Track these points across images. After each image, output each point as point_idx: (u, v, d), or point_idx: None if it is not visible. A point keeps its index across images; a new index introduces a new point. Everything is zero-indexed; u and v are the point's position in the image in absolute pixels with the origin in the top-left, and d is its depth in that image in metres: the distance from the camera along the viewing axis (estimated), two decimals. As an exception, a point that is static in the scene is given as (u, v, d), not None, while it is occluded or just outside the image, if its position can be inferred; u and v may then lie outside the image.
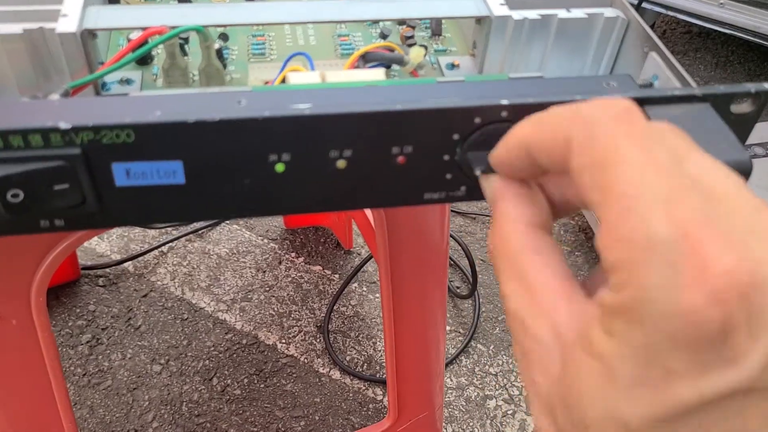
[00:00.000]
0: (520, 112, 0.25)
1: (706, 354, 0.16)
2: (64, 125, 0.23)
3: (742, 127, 0.27)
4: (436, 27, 0.38)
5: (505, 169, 0.23)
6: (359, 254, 1.29)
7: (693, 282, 0.16)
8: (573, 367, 0.18)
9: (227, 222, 1.33)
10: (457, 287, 1.23)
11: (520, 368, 0.21)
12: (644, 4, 1.74)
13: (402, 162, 0.26)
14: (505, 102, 0.25)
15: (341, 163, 0.26)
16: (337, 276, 1.24)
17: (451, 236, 1.26)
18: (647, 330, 0.17)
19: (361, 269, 1.23)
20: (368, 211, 0.94)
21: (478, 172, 0.25)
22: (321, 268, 1.25)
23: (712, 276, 0.16)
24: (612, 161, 0.18)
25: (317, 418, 1.03)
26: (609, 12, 0.34)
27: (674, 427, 0.17)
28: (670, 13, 1.77)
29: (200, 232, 1.30)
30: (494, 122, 0.25)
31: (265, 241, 1.30)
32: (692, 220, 0.17)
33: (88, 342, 1.11)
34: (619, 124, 0.19)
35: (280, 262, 1.26)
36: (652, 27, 1.88)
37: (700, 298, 0.16)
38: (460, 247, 1.26)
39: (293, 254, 1.28)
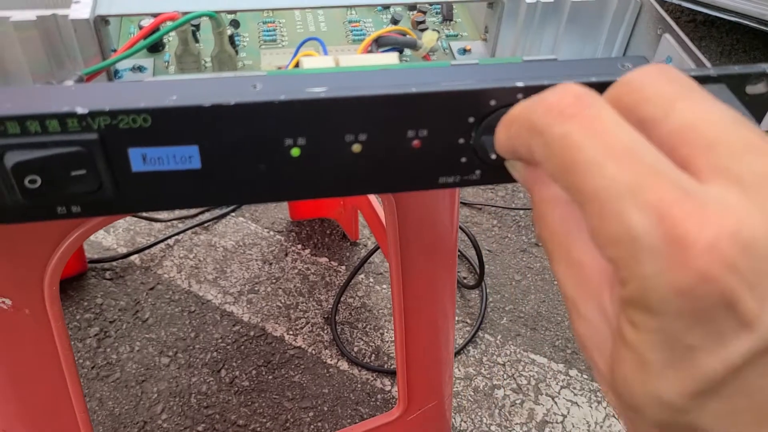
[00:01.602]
0: (536, 93, 0.25)
1: (718, 325, 0.17)
2: (81, 110, 0.23)
3: (757, 108, 0.27)
4: (447, 12, 0.38)
5: (510, 157, 0.23)
6: (365, 245, 1.29)
7: (679, 266, 0.16)
8: (615, 354, 0.19)
9: (233, 214, 1.33)
10: (464, 278, 1.23)
11: (581, 349, 0.21)
12: (649, -7, 1.73)
13: (417, 146, 0.26)
14: (520, 84, 0.25)
15: (356, 147, 0.26)
16: (343, 267, 1.24)
17: (459, 227, 1.26)
18: (657, 315, 0.17)
19: (368, 260, 1.23)
20: (376, 203, 0.94)
21: (493, 156, 0.25)
22: (327, 260, 1.25)
23: (694, 257, 0.16)
24: (572, 164, 0.18)
25: (326, 408, 1.03)
26: (621, -6, 0.34)
27: (715, 395, 0.17)
28: (675, 1, 1.76)
29: (206, 224, 1.31)
30: (510, 105, 0.25)
31: (271, 233, 1.30)
32: (663, 201, 0.17)
33: (96, 335, 1.11)
34: (567, 121, 0.19)
35: (286, 254, 1.26)
36: (656, 16, 1.87)
37: (690, 279, 0.16)
38: (467, 238, 1.26)
39: (299, 246, 1.28)
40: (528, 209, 1.37)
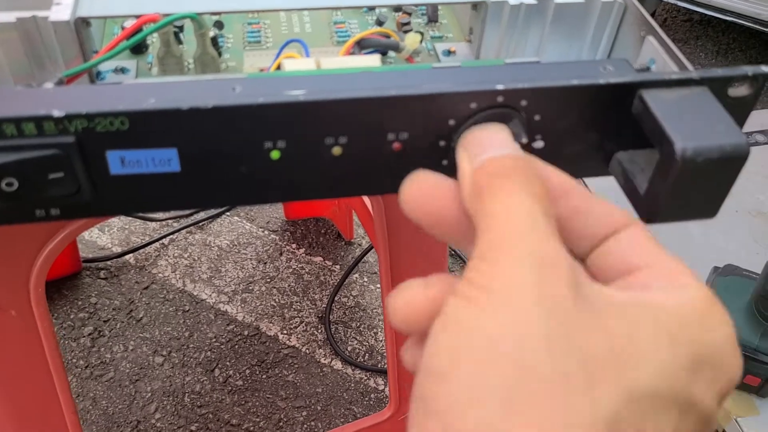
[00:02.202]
0: (515, 97, 0.25)
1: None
2: (57, 113, 0.23)
3: (739, 110, 0.27)
4: (432, 13, 0.38)
5: None
6: (360, 245, 1.29)
7: None
8: None
9: (228, 214, 1.33)
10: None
11: None
12: (645, -8, 1.73)
13: (398, 148, 0.26)
14: (500, 87, 0.25)
15: (337, 150, 0.26)
16: (338, 267, 1.24)
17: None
18: None
19: (362, 260, 1.23)
20: (367, 201, 0.94)
21: (524, 140, 0.25)
22: (322, 259, 1.25)
23: None
24: None
25: (319, 408, 1.03)
26: (606, -4, 0.34)
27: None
28: (671, 0, 1.76)
29: (201, 224, 1.30)
30: (490, 107, 0.25)
31: (266, 232, 1.30)
32: None
33: (90, 334, 1.11)
34: None
35: (281, 254, 1.26)
36: (652, 15, 1.87)
37: None
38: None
39: (294, 245, 1.28)
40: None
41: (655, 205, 0.25)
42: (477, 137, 0.24)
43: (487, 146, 0.23)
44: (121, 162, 0.25)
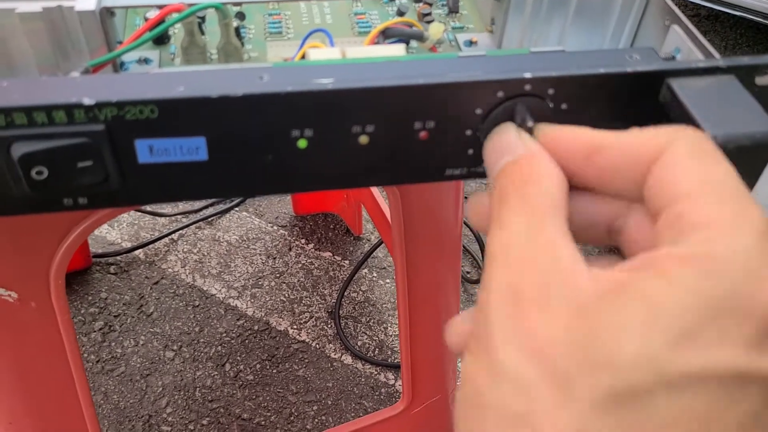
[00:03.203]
0: (543, 85, 0.25)
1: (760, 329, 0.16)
2: (87, 101, 0.23)
3: (767, 99, 0.27)
4: (453, 4, 0.37)
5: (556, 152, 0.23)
6: (369, 240, 1.29)
7: None
8: (607, 310, 0.18)
9: (236, 209, 1.33)
10: (468, 272, 1.23)
11: (499, 308, 0.19)
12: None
13: (424, 137, 0.26)
14: (528, 75, 0.25)
15: (364, 139, 0.26)
16: (347, 262, 1.24)
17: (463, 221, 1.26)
18: (726, 286, 0.17)
19: (371, 255, 1.23)
20: (380, 198, 0.94)
21: (530, 123, 0.24)
22: (331, 254, 1.25)
23: None
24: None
25: (330, 402, 1.03)
26: (629, -14, 0.34)
27: (705, 388, 0.17)
28: (680, -4, 1.75)
29: (210, 219, 1.31)
30: (517, 96, 0.25)
31: (275, 227, 1.30)
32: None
33: (100, 329, 1.11)
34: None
35: (290, 249, 1.26)
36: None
37: None
38: (470, 232, 1.26)
39: (303, 240, 1.28)
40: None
41: (685, 194, 0.25)
42: None
43: None
44: (149, 150, 0.25)
